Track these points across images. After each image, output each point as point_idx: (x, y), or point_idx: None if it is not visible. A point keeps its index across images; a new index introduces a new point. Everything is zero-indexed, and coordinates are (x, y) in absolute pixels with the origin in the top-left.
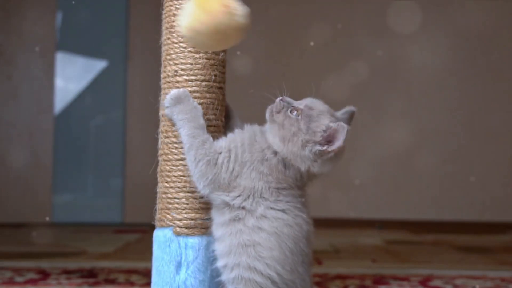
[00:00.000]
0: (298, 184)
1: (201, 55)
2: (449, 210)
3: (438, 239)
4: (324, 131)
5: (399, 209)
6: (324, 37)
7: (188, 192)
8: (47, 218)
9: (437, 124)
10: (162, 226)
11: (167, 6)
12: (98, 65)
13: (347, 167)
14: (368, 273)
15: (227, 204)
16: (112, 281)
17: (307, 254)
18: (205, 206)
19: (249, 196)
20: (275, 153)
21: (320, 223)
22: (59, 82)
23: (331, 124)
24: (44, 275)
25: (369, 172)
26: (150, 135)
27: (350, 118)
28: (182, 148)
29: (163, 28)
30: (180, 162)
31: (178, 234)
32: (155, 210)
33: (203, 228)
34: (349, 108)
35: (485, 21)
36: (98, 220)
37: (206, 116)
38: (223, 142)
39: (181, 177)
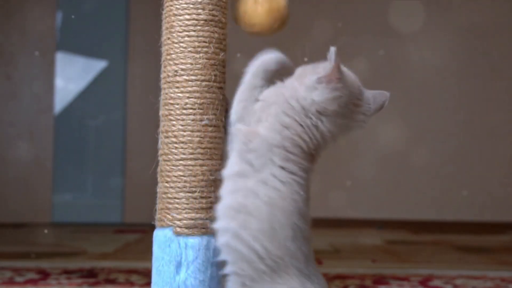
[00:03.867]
0: (313, 141)
1: (201, 55)
2: (449, 210)
3: (438, 239)
4: (324, 68)
5: (399, 209)
6: (324, 36)
7: (188, 192)
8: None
9: (437, 124)
10: (162, 226)
11: (167, 6)
12: (98, 65)
13: (347, 167)
14: (368, 273)
15: (241, 153)
16: (112, 281)
17: (301, 229)
18: (205, 206)
19: (262, 155)
20: (293, 94)
21: (320, 223)
22: (59, 82)
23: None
24: (44, 275)
25: (369, 172)
26: (150, 135)
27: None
28: (182, 148)
29: (163, 28)
30: (180, 162)
31: (178, 234)
32: (155, 210)
33: (203, 228)
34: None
35: (485, 21)
36: (98, 220)
37: (206, 116)
38: (265, 92)
39: (181, 177)
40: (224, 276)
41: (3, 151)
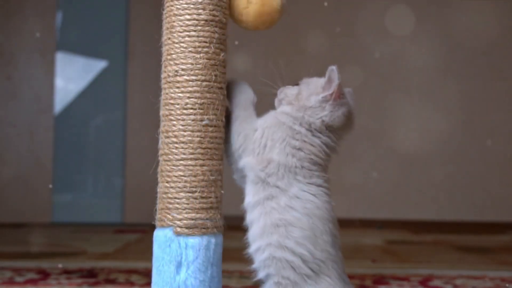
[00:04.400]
0: (324, 157)
1: (201, 55)
2: (449, 210)
3: (438, 239)
4: (323, 87)
5: (399, 209)
6: (323, 37)
7: (189, 192)
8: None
9: (437, 124)
10: (162, 226)
11: (168, 6)
12: (98, 65)
13: (347, 167)
14: (368, 273)
15: (261, 180)
16: (112, 281)
17: (336, 236)
18: (206, 206)
19: (283, 176)
20: (295, 121)
21: None
22: (59, 82)
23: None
24: (44, 275)
25: (369, 172)
26: (150, 135)
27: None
28: (182, 148)
29: (164, 28)
30: (181, 162)
31: (178, 234)
32: (155, 210)
33: (204, 228)
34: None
35: (485, 21)
36: (98, 220)
37: (206, 116)
38: (260, 121)
39: (182, 177)
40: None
41: (3, 151)
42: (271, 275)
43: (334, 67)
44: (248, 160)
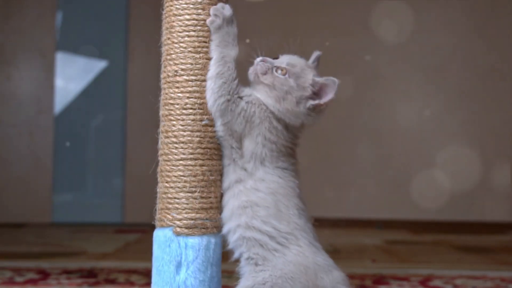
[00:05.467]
0: (293, 147)
1: (201, 55)
2: (449, 210)
3: (438, 239)
4: (312, 85)
5: (399, 209)
6: (321, 38)
7: (188, 192)
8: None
9: (437, 124)
10: (162, 226)
11: (167, 6)
12: (98, 65)
13: (347, 167)
14: (368, 273)
15: (232, 160)
16: (112, 281)
17: (303, 209)
18: (205, 206)
19: (250, 161)
20: (275, 117)
21: (320, 223)
22: (59, 82)
23: (317, 79)
24: (44, 275)
25: (369, 172)
26: (150, 135)
27: (318, 63)
28: (182, 148)
29: (163, 28)
30: (180, 162)
31: (178, 234)
32: (155, 210)
33: (203, 228)
34: (315, 54)
35: (486, 20)
36: (98, 220)
37: (206, 116)
38: (247, 91)
39: (181, 177)
40: (239, 266)
41: (3, 151)
42: (243, 253)
43: (337, 81)
44: (225, 137)
